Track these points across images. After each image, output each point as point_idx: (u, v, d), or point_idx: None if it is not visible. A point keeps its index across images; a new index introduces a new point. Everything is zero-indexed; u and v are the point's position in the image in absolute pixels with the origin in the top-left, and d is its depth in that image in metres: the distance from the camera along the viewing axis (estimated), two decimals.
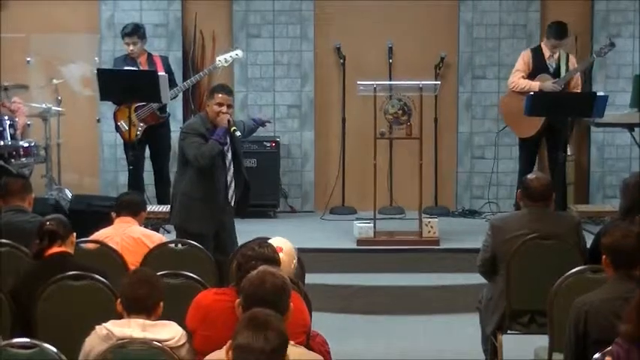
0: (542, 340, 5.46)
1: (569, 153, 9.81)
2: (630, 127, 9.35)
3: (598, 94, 8.85)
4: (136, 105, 8.90)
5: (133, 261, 5.86)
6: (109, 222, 6.36)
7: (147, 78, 8.61)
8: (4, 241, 5.80)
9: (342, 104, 10.16)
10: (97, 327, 4.27)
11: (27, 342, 4.18)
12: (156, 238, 6.27)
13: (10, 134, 9.08)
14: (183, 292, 5.00)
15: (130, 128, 8.86)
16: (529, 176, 6.02)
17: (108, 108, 9.56)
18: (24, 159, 9.17)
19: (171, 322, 4.33)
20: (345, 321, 7.66)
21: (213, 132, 6.86)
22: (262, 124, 7.65)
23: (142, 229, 6.37)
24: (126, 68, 8.95)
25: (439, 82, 9.22)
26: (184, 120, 9.89)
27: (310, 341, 4.67)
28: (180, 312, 4.49)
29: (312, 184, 10.28)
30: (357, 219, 8.99)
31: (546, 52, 9.04)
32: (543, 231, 5.74)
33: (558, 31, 8.99)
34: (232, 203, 7.02)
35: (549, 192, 5.88)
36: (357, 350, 6.99)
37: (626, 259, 4.44)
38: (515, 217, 6.04)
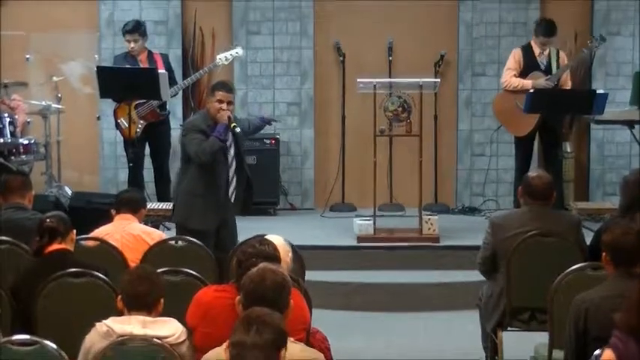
0: (542, 338, 5.46)
1: (568, 150, 9.83)
2: (630, 124, 9.35)
3: (598, 91, 8.84)
4: (136, 102, 8.90)
5: (133, 258, 5.86)
6: (108, 219, 6.36)
7: (147, 75, 8.61)
8: (4, 238, 5.80)
9: (341, 102, 10.16)
10: (97, 324, 4.27)
11: (27, 339, 4.18)
12: (156, 235, 6.28)
13: (10, 132, 9.09)
14: (184, 289, 5.00)
15: (130, 126, 8.86)
16: (530, 174, 6.02)
17: (108, 105, 9.56)
18: (24, 156, 9.17)
19: (172, 319, 4.34)
20: (345, 318, 7.66)
21: (214, 129, 6.87)
22: (269, 122, 7.63)
23: (142, 226, 6.37)
24: (126, 66, 8.95)
25: (439, 80, 9.21)
26: (184, 117, 9.90)
27: (310, 338, 4.68)
28: (181, 309, 4.49)
29: (311, 182, 10.28)
30: (357, 216, 8.98)
31: (536, 50, 9.04)
32: (544, 229, 5.74)
33: (547, 28, 8.98)
34: (232, 200, 7.02)
35: (550, 190, 5.88)
36: (357, 347, 6.99)
37: (626, 257, 4.44)
38: (516, 215, 6.04)
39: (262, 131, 8.85)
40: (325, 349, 4.99)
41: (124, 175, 9.59)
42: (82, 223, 5.97)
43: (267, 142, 9.74)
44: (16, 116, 9.27)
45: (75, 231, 5.39)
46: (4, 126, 9.03)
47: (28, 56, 9.93)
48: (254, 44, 10.16)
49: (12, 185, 6.38)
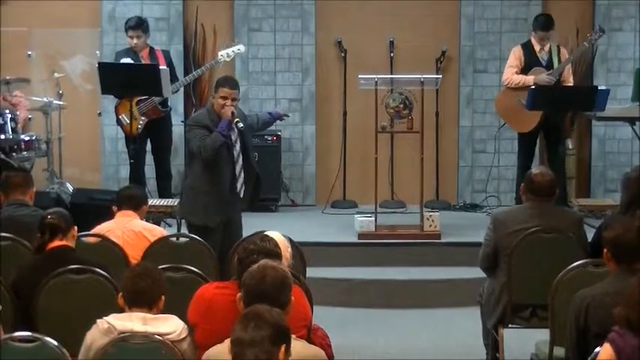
0: (543, 334, 5.46)
1: (570, 147, 9.82)
2: (631, 120, 9.34)
3: (599, 87, 8.84)
4: (138, 99, 8.90)
5: (134, 255, 5.86)
6: (110, 216, 6.36)
7: (148, 72, 8.60)
8: (5, 234, 5.80)
9: (343, 98, 10.15)
10: (99, 320, 4.27)
11: (28, 336, 4.19)
12: (157, 231, 6.27)
13: (12, 128, 9.08)
14: (185, 285, 5.00)
15: (131, 122, 8.86)
16: (534, 171, 6.01)
17: (109, 102, 9.56)
18: (25, 153, 9.16)
19: (173, 315, 4.34)
20: (346, 314, 7.66)
21: (218, 124, 6.88)
22: (280, 117, 7.61)
23: (143, 222, 6.37)
24: (128, 62, 8.95)
25: (440, 76, 9.22)
26: (185, 114, 9.90)
27: (311, 335, 4.68)
28: (182, 306, 4.49)
29: (313, 178, 10.28)
30: (359, 213, 8.98)
31: (537, 46, 9.04)
32: (545, 225, 5.74)
33: (544, 22, 8.99)
34: (241, 195, 7.02)
35: (553, 188, 5.88)
36: (358, 344, 7.00)
37: (628, 254, 4.44)
38: (518, 212, 6.04)
39: None
40: (326, 346, 4.99)
41: (125, 171, 9.59)
42: (83, 219, 5.96)
43: (269, 138, 9.73)
44: (18, 113, 9.26)
45: (76, 227, 5.39)
46: (5, 122, 9.03)
47: (29, 53, 9.91)
48: (255, 41, 10.15)
49: (13, 182, 6.38)
